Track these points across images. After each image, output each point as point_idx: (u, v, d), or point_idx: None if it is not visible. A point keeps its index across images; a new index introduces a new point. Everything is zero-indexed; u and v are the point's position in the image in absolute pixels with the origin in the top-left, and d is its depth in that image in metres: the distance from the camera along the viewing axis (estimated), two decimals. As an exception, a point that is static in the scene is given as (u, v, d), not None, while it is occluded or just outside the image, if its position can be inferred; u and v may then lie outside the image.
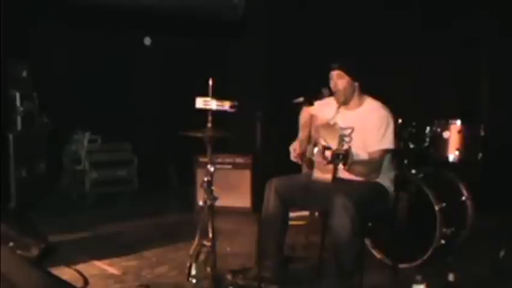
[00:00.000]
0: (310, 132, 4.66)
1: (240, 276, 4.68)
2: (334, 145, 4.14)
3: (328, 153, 4.00)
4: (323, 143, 4.17)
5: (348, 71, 4.54)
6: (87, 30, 7.87)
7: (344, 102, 4.62)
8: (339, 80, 4.55)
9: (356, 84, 4.57)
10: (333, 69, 4.58)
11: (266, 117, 4.14)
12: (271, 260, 4.60)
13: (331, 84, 4.59)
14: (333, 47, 7.46)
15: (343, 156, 3.96)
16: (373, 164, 4.47)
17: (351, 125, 4.55)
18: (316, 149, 4.15)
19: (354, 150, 4.23)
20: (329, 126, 4.52)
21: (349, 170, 4.30)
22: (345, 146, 4.10)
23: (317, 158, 4.20)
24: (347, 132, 4.53)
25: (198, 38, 8.39)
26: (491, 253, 5.11)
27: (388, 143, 4.47)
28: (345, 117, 4.61)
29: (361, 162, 4.42)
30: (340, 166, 4.09)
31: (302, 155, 4.55)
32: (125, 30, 8.06)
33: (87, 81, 8.01)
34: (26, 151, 6.72)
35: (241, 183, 7.15)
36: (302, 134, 4.73)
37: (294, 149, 4.58)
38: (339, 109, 4.66)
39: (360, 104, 4.63)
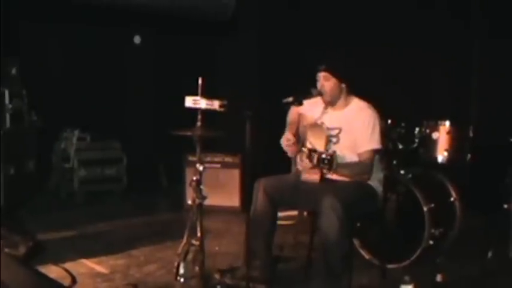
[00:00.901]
0: (298, 129, 4.66)
1: (228, 275, 4.68)
2: (320, 146, 4.15)
3: (314, 157, 4.01)
4: (309, 145, 4.17)
5: (334, 73, 4.54)
6: (77, 27, 7.85)
7: (330, 103, 4.62)
8: (325, 81, 4.55)
9: (343, 85, 4.58)
10: (320, 70, 4.58)
11: (256, 116, 4.13)
12: (259, 259, 4.59)
13: (318, 86, 4.59)
14: (323, 47, 7.49)
15: (328, 161, 3.96)
16: (362, 166, 4.48)
17: (338, 125, 4.55)
18: (303, 150, 4.15)
19: (340, 151, 4.24)
20: (316, 126, 4.53)
21: (335, 174, 4.31)
22: (330, 150, 4.11)
23: (303, 161, 4.20)
24: (334, 132, 4.54)
25: (188, 37, 8.37)
26: (480, 253, 5.14)
27: (375, 143, 4.48)
28: (332, 118, 4.61)
29: (349, 165, 4.43)
30: (326, 171, 4.11)
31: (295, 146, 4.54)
32: (115, 28, 8.04)
33: (77, 79, 8.00)
34: (15, 149, 6.69)
35: (230, 182, 7.15)
36: (290, 131, 4.71)
37: (287, 138, 4.57)
38: (325, 109, 4.67)
39: (347, 104, 4.63)
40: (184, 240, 4.54)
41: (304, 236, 5.22)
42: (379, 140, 4.49)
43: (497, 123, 6.67)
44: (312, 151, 4.04)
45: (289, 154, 4.65)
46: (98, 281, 4.74)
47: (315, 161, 4.00)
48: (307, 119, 4.64)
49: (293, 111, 4.79)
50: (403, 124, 5.52)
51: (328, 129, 4.51)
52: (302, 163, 4.30)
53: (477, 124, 5.94)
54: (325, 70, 4.55)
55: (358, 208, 4.37)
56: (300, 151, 4.36)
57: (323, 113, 4.66)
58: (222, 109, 4.40)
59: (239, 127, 4.22)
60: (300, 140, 4.57)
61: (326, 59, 4.66)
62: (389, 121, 5.43)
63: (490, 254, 5.08)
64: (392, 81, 7.18)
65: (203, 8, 6.47)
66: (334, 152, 4.05)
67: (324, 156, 3.98)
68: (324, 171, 4.16)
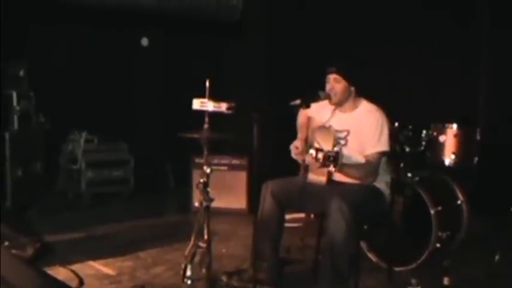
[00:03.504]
0: (308, 133, 4.66)
1: (235, 277, 4.68)
2: (328, 147, 4.14)
3: (320, 156, 4.00)
4: (316, 145, 4.17)
5: (344, 75, 4.54)
6: (85, 29, 7.88)
7: (338, 104, 4.62)
8: (335, 83, 4.54)
9: (352, 88, 4.57)
10: (330, 72, 4.57)
11: (263, 119, 4.13)
12: (266, 262, 4.58)
13: (328, 87, 4.58)
14: (331, 49, 7.48)
15: (333, 158, 3.96)
16: (368, 167, 4.47)
17: (347, 127, 4.55)
18: (310, 151, 4.14)
19: (348, 152, 4.25)
20: (324, 129, 4.52)
21: (340, 172, 4.30)
22: (336, 148, 4.10)
23: (310, 161, 4.20)
24: (342, 135, 4.53)
25: (196, 39, 8.39)
26: (487, 256, 5.12)
27: (383, 145, 4.46)
28: (340, 120, 4.61)
29: (355, 165, 4.43)
30: (332, 168, 4.09)
31: (303, 152, 4.54)
32: (123, 30, 8.06)
33: (85, 81, 8.01)
34: (22, 150, 6.71)
35: (237, 184, 7.15)
36: (301, 135, 4.73)
37: (296, 146, 4.58)
38: (334, 112, 4.66)
39: (356, 106, 4.62)
40: (192, 242, 4.55)
41: (311, 239, 5.22)
42: (387, 142, 4.48)
43: (504, 126, 6.66)
44: (318, 150, 4.03)
45: (298, 160, 4.65)
46: (105, 283, 4.74)
47: (320, 159, 4.00)
48: (316, 122, 4.63)
49: (302, 115, 4.79)
50: (410, 127, 5.51)
51: (337, 131, 4.50)
52: (310, 163, 4.31)
53: (484, 127, 5.91)
54: (336, 72, 4.55)
55: (366, 211, 4.36)
56: (307, 152, 4.36)
57: (331, 115, 4.66)
58: (229, 111, 4.40)
59: (246, 129, 4.21)
60: (308, 144, 4.56)
61: (337, 61, 4.66)
62: (396, 124, 5.43)
63: (497, 257, 5.06)
64: (399, 83, 7.17)
65: (211, 10, 6.49)
66: (340, 149, 4.06)
67: (329, 154, 3.98)
68: (330, 169, 4.12)
